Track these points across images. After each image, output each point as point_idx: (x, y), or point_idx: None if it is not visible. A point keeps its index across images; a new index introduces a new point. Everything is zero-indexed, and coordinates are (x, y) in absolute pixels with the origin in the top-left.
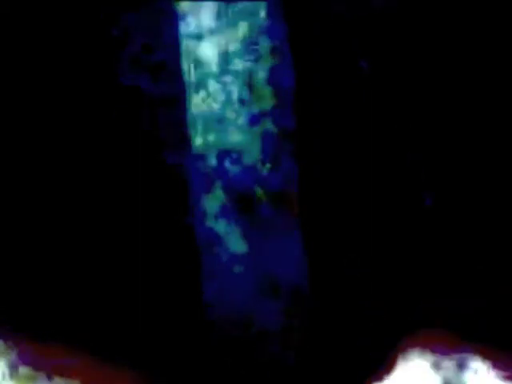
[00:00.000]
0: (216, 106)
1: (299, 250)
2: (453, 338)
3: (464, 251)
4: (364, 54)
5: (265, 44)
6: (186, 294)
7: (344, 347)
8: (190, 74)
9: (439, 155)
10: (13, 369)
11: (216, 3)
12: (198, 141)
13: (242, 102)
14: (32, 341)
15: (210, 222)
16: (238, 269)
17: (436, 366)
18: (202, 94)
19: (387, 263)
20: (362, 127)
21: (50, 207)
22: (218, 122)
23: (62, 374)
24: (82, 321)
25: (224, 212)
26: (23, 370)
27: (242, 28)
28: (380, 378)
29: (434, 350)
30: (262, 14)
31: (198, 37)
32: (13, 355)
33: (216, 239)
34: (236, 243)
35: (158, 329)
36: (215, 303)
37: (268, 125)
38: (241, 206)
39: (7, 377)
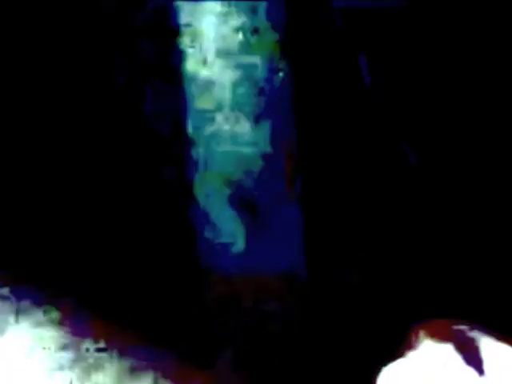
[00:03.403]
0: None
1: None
2: (461, 323)
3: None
4: (364, 52)
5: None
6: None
7: (347, 341)
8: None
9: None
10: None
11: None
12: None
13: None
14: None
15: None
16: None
17: (452, 350)
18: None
19: (389, 256)
20: (360, 128)
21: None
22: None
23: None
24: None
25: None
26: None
27: None
28: (396, 362)
29: (446, 336)
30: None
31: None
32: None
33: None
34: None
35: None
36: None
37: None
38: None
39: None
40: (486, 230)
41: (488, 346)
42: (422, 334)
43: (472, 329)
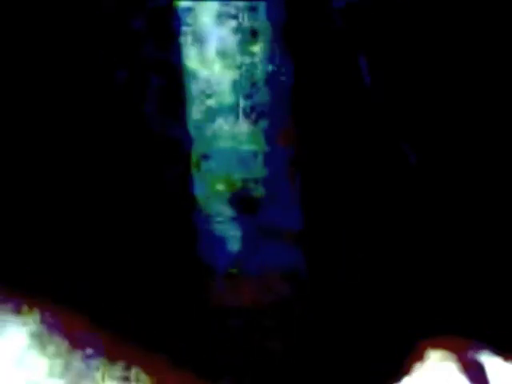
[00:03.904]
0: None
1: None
2: (467, 342)
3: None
4: (364, 51)
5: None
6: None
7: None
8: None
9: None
10: (36, 339)
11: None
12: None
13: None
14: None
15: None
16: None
17: (457, 369)
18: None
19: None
20: (359, 126)
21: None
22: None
23: (84, 347)
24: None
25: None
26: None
27: None
28: (401, 381)
29: (452, 354)
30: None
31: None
32: (37, 324)
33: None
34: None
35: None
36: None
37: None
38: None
39: (30, 347)
40: (488, 231)
41: (494, 366)
42: (427, 352)
43: (478, 348)
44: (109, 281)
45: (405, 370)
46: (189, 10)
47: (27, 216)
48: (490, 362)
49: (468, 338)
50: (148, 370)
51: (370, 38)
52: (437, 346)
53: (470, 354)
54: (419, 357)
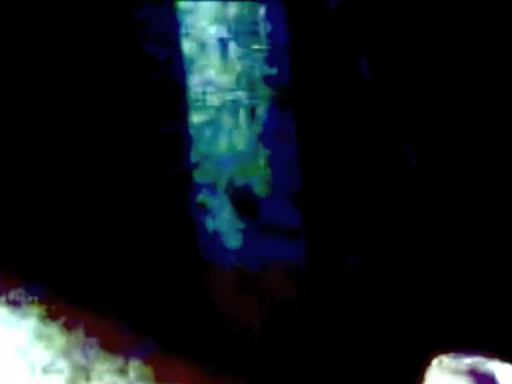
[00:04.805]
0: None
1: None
2: (476, 352)
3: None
4: (364, 53)
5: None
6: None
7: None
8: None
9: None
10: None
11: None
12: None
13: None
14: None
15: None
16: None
17: (465, 378)
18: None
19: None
20: (360, 127)
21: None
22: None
23: (89, 331)
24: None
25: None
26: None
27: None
28: None
29: (462, 365)
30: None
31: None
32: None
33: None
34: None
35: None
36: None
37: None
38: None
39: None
40: (486, 229)
41: (504, 375)
42: (438, 363)
43: (486, 361)
44: (110, 277)
45: (417, 381)
46: (189, 10)
47: (29, 214)
48: (500, 372)
49: (475, 346)
50: (146, 363)
51: (369, 37)
52: (445, 360)
53: (479, 364)
54: (429, 372)
